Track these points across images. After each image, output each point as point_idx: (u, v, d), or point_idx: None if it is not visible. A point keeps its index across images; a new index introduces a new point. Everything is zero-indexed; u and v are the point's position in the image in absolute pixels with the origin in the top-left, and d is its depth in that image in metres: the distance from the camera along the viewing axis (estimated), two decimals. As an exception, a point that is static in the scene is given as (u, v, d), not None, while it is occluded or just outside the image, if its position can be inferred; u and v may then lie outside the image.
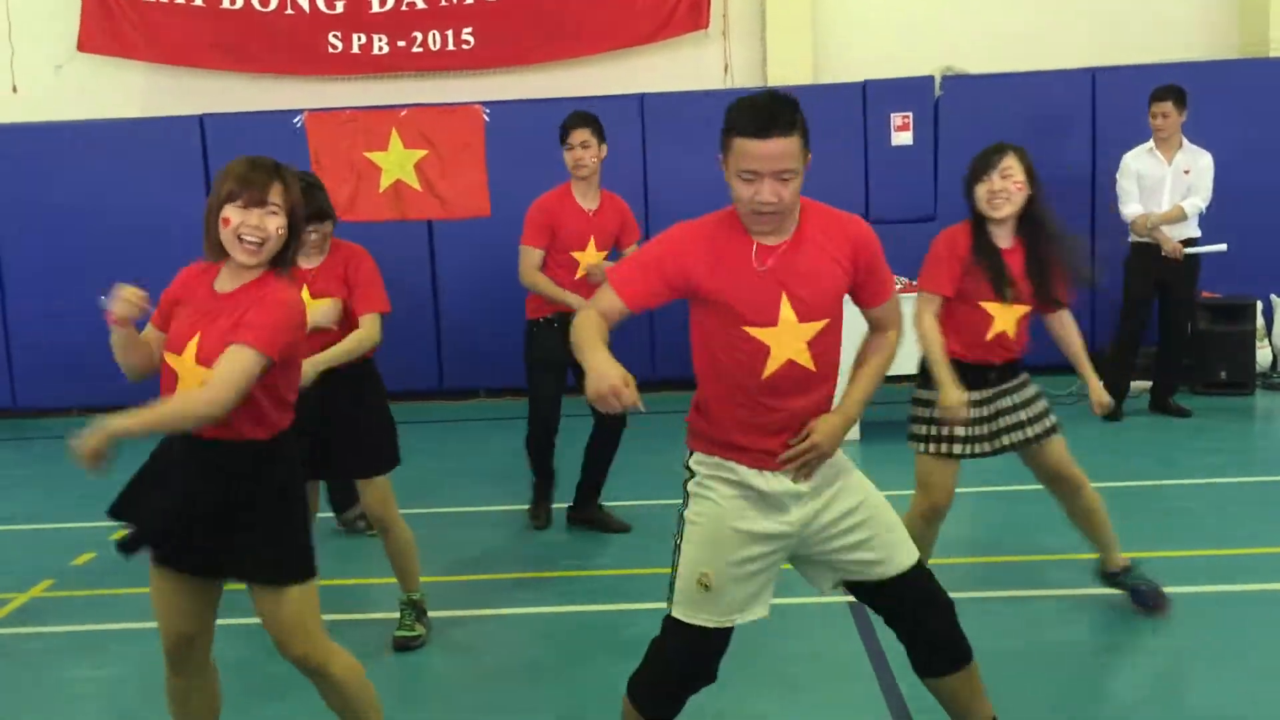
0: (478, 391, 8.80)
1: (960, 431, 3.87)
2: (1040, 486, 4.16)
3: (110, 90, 8.98)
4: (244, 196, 2.69)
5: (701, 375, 2.75)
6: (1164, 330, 7.20)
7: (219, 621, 2.97)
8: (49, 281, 8.36)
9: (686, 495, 2.78)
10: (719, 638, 2.72)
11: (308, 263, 3.89)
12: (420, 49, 8.82)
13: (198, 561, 2.80)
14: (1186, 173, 7.00)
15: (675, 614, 2.72)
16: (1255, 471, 5.88)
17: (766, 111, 2.52)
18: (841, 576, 2.82)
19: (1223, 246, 7.05)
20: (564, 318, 4.82)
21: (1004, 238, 3.93)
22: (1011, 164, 3.89)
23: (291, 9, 8.76)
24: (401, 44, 8.80)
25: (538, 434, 5.31)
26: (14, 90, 9.00)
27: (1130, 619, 4.11)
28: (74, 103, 8.84)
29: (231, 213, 2.69)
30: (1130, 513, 5.33)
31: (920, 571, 2.78)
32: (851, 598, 4.26)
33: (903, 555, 2.77)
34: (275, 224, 2.71)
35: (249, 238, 2.69)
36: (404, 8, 8.76)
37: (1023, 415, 3.96)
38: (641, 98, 8.34)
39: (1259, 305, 7.83)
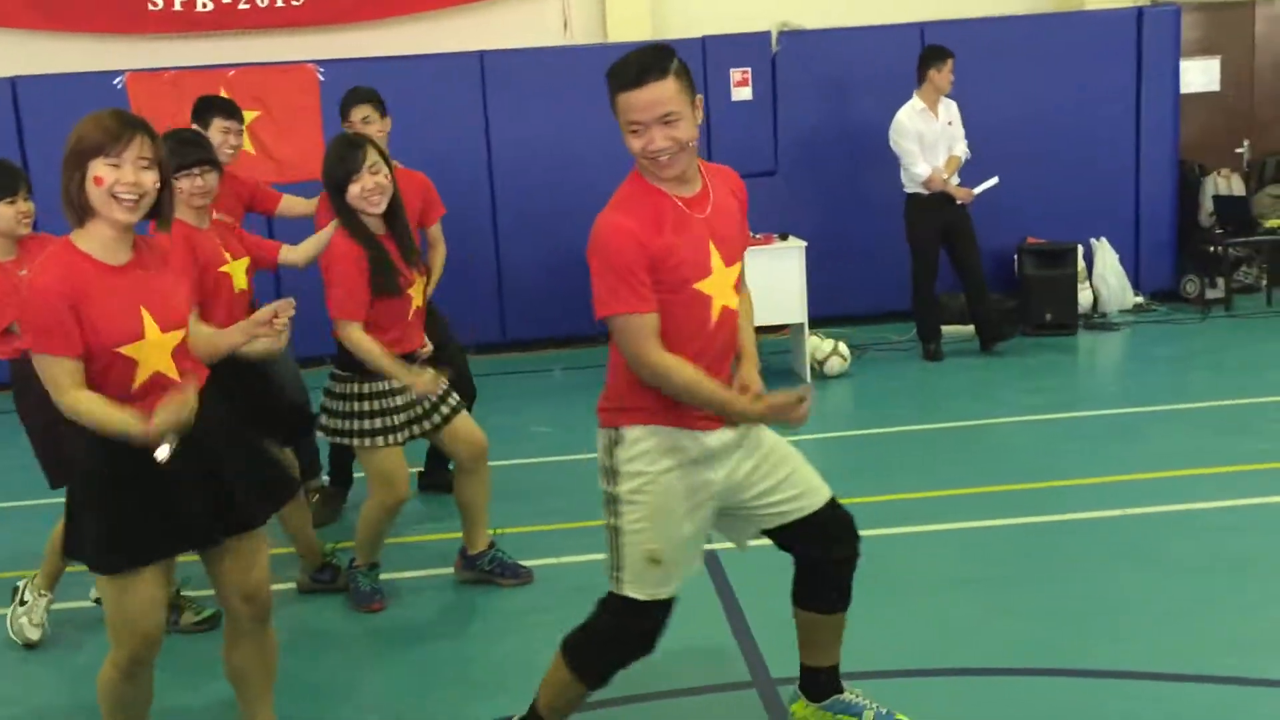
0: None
1: (401, 418, 3.96)
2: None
3: (-91, 51, 8.39)
4: (115, 151, 2.54)
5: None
6: (964, 274, 7.50)
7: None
8: None
9: (615, 474, 2.73)
10: (670, 605, 2.77)
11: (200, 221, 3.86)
12: (247, 5, 8.47)
13: (205, 530, 2.77)
14: (950, 124, 7.43)
15: (630, 593, 2.73)
16: (1076, 408, 6.23)
17: (637, 62, 2.56)
18: (760, 526, 2.88)
19: (995, 180, 7.43)
20: None
21: (377, 225, 3.94)
22: (377, 159, 3.88)
23: (107, -36, 8.31)
24: (226, 0, 8.45)
25: None
26: None
27: (971, 557, 4.32)
28: None
29: (103, 170, 2.54)
30: (955, 451, 5.63)
31: (838, 507, 2.88)
32: (706, 545, 4.37)
33: (820, 490, 2.87)
34: (151, 178, 2.59)
35: (127, 195, 2.55)
36: (228, -38, 8.41)
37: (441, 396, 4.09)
38: (481, 55, 8.22)
39: (1080, 249, 8.23)
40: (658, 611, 2.76)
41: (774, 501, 2.83)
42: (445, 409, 4.08)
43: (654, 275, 2.61)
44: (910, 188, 7.40)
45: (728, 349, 2.79)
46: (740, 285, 2.83)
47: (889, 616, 3.77)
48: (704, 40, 8.32)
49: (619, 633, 2.79)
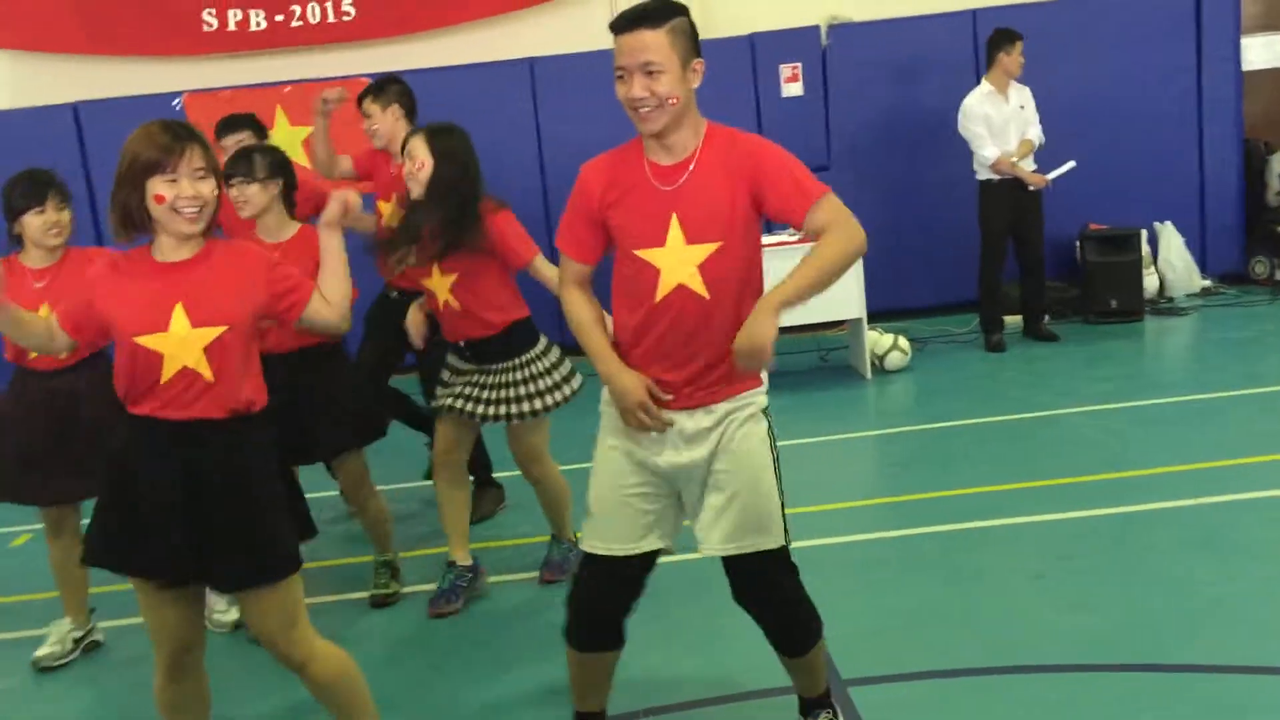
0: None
1: (454, 391, 4.11)
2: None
3: (-25, 81, 8.60)
4: (170, 166, 2.56)
5: (613, 301, 2.78)
6: (1024, 259, 7.47)
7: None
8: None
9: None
10: (617, 566, 2.72)
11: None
12: (300, 23, 8.58)
13: (178, 569, 2.68)
14: (1022, 108, 7.35)
15: (581, 542, 2.81)
16: (1146, 395, 6.10)
17: (637, 9, 2.56)
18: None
19: (1072, 164, 7.34)
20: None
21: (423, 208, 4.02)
22: (414, 145, 3.98)
23: (162, -13, 8.46)
24: (279, 18, 8.55)
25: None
26: None
27: (1044, 551, 4.25)
28: (-63, 96, 8.46)
29: (162, 188, 2.56)
30: (1023, 443, 5.54)
31: (764, 561, 2.70)
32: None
33: (749, 539, 2.68)
34: (209, 188, 2.61)
35: (189, 209, 2.58)
36: (280, -20, 8.52)
37: (493, 394, 4.06)
38: (531, 62, 8.26)
39: (1144, 234, 8.07)
40: (598, 567, 2.74)
41: (696, 522, 2.74)
42: (469, 405, 4.07)
43: (606, 229, 2.69)
44: (982, 174, 7.33)
45: (685, 333, 2.63)
46: (719, 269, 2.59)
47: (962, 613, 3.73)
48: (752, 37, 8.28)
49: (574, 582, 2.86)
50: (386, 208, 4.94)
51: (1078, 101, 8.23)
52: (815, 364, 7.51)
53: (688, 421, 2.67)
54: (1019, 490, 4.84)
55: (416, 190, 3.97)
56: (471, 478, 5.26)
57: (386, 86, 5.03)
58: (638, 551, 2.72)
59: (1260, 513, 4.33)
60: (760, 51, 8.27)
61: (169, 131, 2.59)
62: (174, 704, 2.87)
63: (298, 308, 2.81)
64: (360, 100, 5.04)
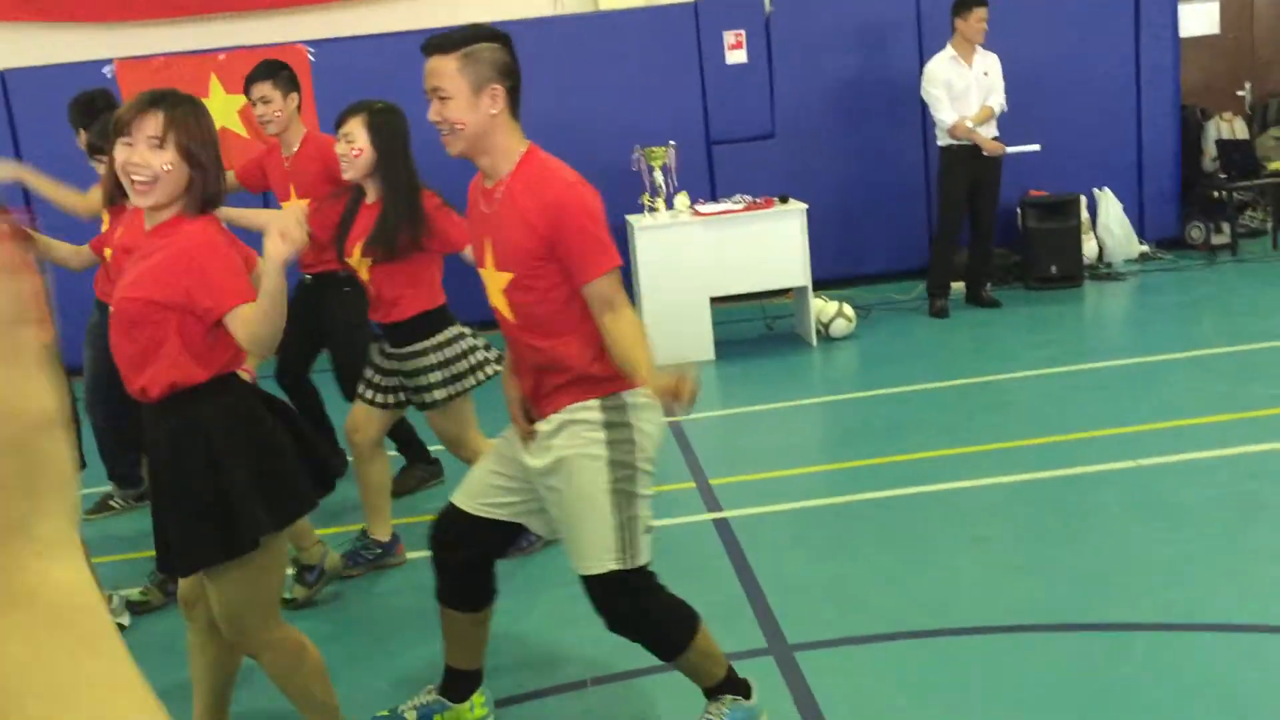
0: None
1: (369, 378, 4.13)
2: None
3: (-104, 49, 8.32)
4: (130, 130, 2.46)
5: None
6: (975, 225, 7.55)
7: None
8: None
9: None
10: (456, 519, 2.84)
11: None
12: (234, -12, 8.40)
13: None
14: (986, 74, 7.38)
15: None
16: (1086, 360, 6.20)
17: (441, 34, 2.63)
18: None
19: (1036, 146, 7.39)
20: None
21: (371, 194, 3.97)
22: (352, 129, 3.89)
23: (90, -49, 8.23)
24: (214, -16, 8.37)
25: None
26: None
27: (983, 515, 4.31)
28: None
29: (119, 150, 2.48)
30: (965, 408, 5.60)
31: (590, 584, 2.69)
32: (719, 514, 4.39)
33: (572, 558, 2.71)
34: (162, 159, 2.45)
35: (137, 176, 2.46)
36: (213, -56, 8.32)
37: (391, 381, 4.09)
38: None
39: (1083, 200, 8.17)
40: (443, 511, 2.93)
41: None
42: (368, 391, 4.14)
43: None
44: (942, 140, 7.37)
45: (512, 349, 2.75)
46: (519, 298, 2.61)
47: (906, 577, 3.77)
48: (696, 5, 8.22)
49: None
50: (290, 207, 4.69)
51: (1018, 69, 8.25)
52: (760, 332, 7.54)
53: (542, 426, 2.71)
54: (961, 455, 4.90)
55: (351, 174, 3.90)
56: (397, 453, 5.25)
57: (279, 71, 4.77)
58: (472, 510, 2.81)
59: (1198, 474, 4.42)
60: (704, 18, 8.22)
61: (144, 95, 2.51)
62: (189, 650, 2.94)
63: (213, 314, 2.52)
64: (250, 84, 4.74)
